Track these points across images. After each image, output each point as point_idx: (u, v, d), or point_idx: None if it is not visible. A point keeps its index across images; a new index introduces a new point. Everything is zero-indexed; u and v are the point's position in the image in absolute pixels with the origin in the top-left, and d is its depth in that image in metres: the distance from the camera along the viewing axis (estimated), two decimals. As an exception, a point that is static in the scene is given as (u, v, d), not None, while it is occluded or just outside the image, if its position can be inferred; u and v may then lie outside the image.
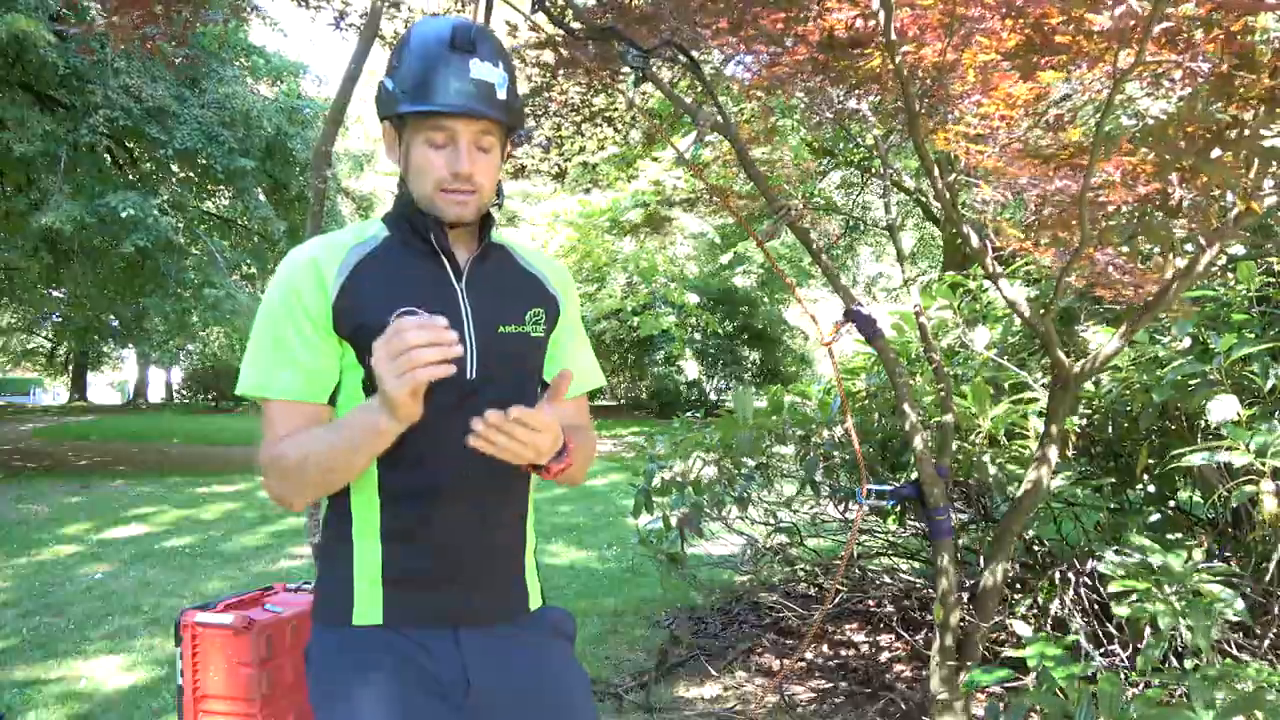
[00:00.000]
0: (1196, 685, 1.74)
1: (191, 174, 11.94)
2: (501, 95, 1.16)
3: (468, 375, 1.19)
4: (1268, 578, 2.32)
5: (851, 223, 13.53)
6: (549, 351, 1.33)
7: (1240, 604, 1.96)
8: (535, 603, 1.31)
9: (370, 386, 1.17)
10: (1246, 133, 1.87)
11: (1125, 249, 2.36)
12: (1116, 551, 2.18)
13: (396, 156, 1.21)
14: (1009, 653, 2.34)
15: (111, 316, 14.25)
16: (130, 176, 11.54)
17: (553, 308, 1.31)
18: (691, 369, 22.91)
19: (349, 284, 1.17)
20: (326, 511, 1.24)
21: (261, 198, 11.63)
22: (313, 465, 1.11)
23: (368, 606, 1.19)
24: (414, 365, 0.96)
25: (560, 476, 1.16)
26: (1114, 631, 2.49)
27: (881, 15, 2.07)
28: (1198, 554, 2.01)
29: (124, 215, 9.40)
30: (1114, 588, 1.98)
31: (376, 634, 1.18)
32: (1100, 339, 2.57)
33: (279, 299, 1.17)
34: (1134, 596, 1.92)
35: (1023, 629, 2.21)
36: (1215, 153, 1.91)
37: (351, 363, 1.19)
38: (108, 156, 11.48)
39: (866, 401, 3.41)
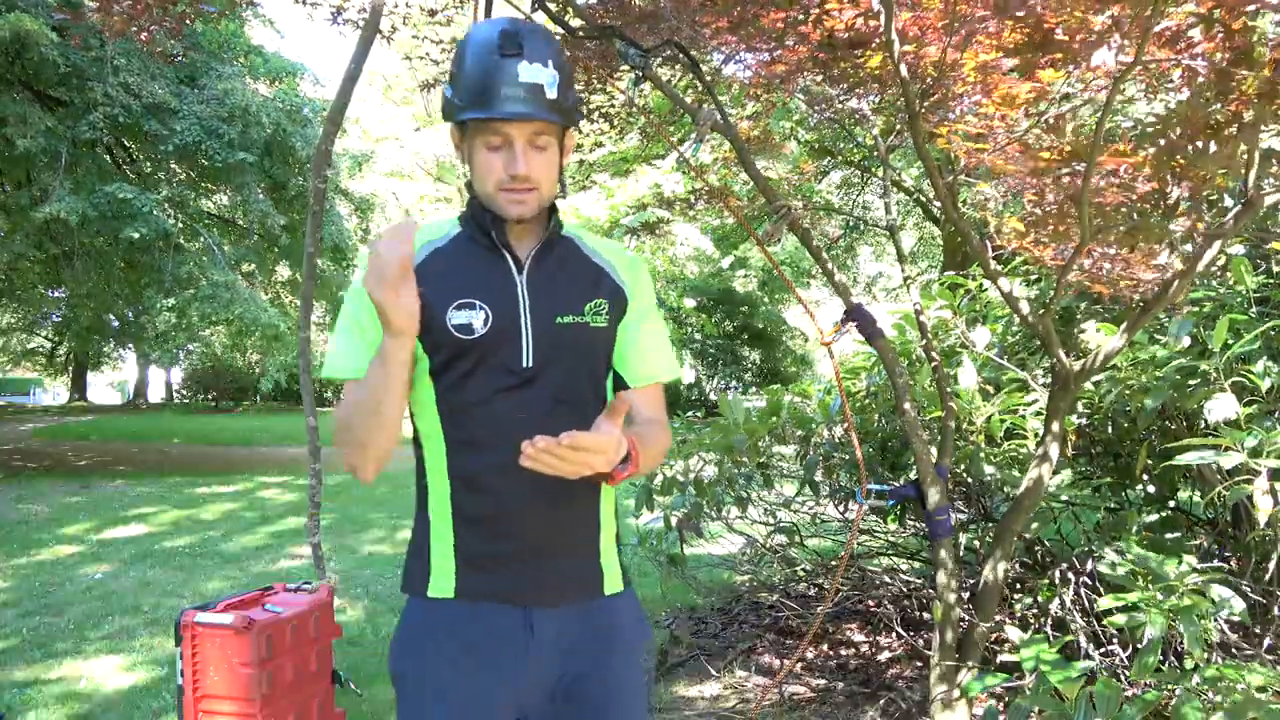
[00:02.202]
0: (1190, 692, 1.74)
1: (190, 172, 11.92)
2: (551, 95, 1.19)
3: (524, 364, 1.23)
4: (1267, 577, 2.32)
5: (851, 223, 13.52)
6: (618, 340, 1.34)
7: (1239, 604, 1.95)
8: (613, 586, 1.32)
9: (436, 373, 1.23)
10: (1245, 129, 1.87)
11: (1124, 248, 2.35)
12: (1116, 553, 2.17)
13: (463, 157, 1.27)
14: (1006, 656, 2.34)
15: (111, 316, 14.24)
16: (130, 176, 11.54)
17: (619, 298, 1.33)
18: (690, 371, 22.91)
19: (416, 276, 1.21)
20: (415, 489, 1.32)
21: (260, 197, 11.59)
22: (353, 408, 1.19)
23: (442, 580, 1.26)
24: (376, 268, 1.07)
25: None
26: (1113, 631, 2.49)
27: (882, 15, 2.07)
28: (1190, 560, 2.00)
29: (122, 198, 9.46)
30: (1104, 602, 1.97)
31: (449, 605, 1.25)
32: (1100, 338, 2.57)
33: (356, 289, 1.25)
34: (1125, 605, 1.92)
35: (1014, 633, 2.21)
36: (1213, 149, 1.91)
37: (419, 351, 1.24)
38: (108, 156, 11.48)
39: (866, 401, 3.41)
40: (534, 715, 1.27)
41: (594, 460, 1.07)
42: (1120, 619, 1.90)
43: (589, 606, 1.29)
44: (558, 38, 3.07)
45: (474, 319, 1.22)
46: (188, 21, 3.21)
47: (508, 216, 1.23)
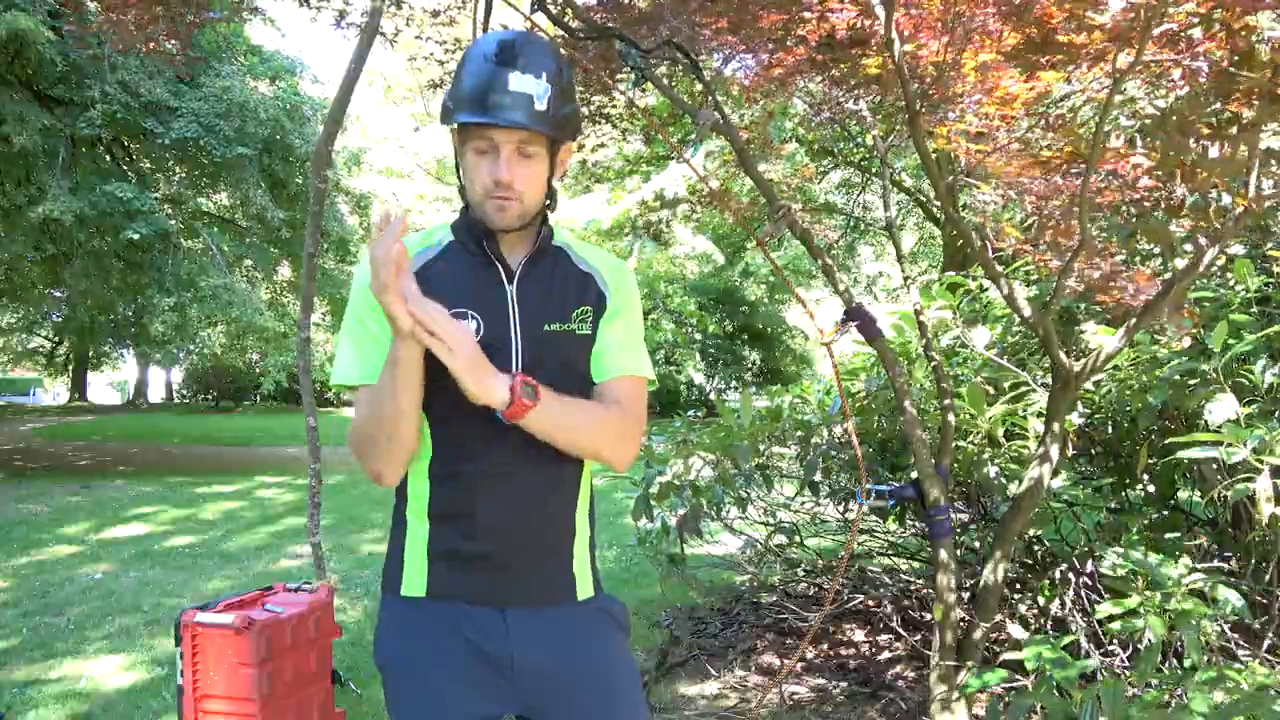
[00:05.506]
0: (1196, 688, 1.74)
1: (190, 171, 11.90)
2: (540, 106, 1.19)
3: (514, 372, 1.23)
4: (1267, 577, 2.32)
5: (851, 223, 13.52)
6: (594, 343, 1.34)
7: (1239, 603, 1.95)
8: (585, 593, 1.33)
9: (434, 374, 1.19)
10: (1246, 130, 1.87)
11: (1124, 252, 2.35)
12: (1116, 555, 2.17)
13: (459, 162, 1.28)
14: (1008, 655, 2.35)
15: (111, 317, 14.22)
16: (129, 175, 11.52)
17: (601, 303, 1.33)
18: (695, 373, 22.90)
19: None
20: (395, 490, 1.34)
21: (259, 194, 11.56)
22: (369, 419, 1.21)
23: (415, 578, 1.29)
24: (373, 273, 1.08)
25: (538, 427, 1.19)
26: (1114, 631, 2.49)
27: (881, 14, 2.07)
28: (1184, 564, 2.00)
29: (121, 196, 9.50)
30: (1103, 608, 1.97)
31: (422, 603, 1.28)
32: (1100, 338, 2.57)
33: (358, 297, 1.28)
34: (1124, 610, 1.91)
35: (1017, 631, 2.20)
36: (1214, 151, 1.91)
37: None
38: (107, 156, 11.47)
39: (866, 402, 3.41)
40: (529, 712, 1.28)
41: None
42: (1119, 625, 1.90)
43: (562, 611, 1.30)
44: (560, 45, 3.07)
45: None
46: (195, 31, 3.20)
47: (491, 224, 1.24)
